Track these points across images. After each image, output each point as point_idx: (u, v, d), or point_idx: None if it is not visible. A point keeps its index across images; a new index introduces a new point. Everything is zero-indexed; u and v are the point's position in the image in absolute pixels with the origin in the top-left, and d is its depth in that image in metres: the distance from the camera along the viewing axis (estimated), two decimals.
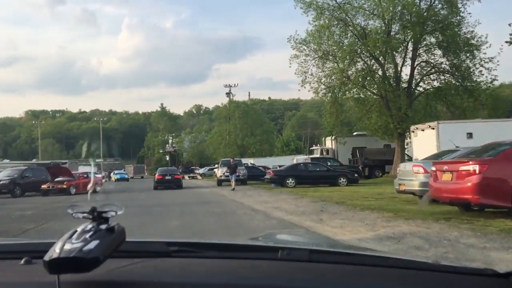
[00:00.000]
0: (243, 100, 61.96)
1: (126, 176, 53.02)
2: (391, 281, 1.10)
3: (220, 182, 28.23)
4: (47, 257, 0.93)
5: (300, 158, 32.07)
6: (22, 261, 1.15)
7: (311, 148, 33.80)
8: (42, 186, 23.58)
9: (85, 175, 25.74)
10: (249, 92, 64.19)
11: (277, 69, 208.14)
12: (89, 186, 1.32)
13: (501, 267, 1.17)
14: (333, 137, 33.67)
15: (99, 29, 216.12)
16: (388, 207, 11.62)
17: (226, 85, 60.25)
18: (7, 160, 43.83)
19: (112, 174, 54.94)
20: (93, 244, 0.94)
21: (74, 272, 0.93)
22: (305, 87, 30.48)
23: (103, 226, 1.02)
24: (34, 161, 44.66)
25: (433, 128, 19.51)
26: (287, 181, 22.90)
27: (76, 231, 0.99)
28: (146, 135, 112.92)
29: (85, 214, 1.05)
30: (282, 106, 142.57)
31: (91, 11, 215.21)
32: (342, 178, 23.16)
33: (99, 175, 32.04)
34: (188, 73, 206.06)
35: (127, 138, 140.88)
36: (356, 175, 25.02)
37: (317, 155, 33.78)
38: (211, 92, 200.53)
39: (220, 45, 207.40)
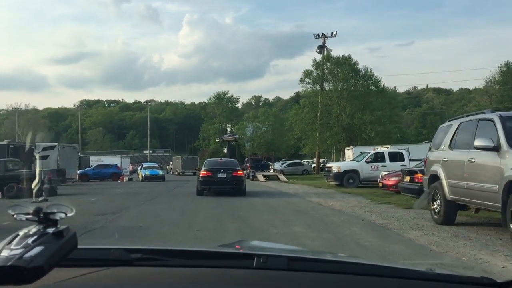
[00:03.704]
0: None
1: (160, 173, 32.97)
2: None
3: None
4: None
5: None
6: None
7: None
8: None
9: None
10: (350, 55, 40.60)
11: None
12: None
13: None
14: None
15: (161, 25, 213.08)
16: None
17: (317, 35, 38.21)
18: None
19: (139, 169, 35.18)
20: (36, 251, 0.80)
21: (12, 283, 0.78)
22: None
23: (50, 230, 0.86)
24: (5, 142, 28.87)
25: None
26: None
27: (17, 235, 0.85)
28: (201, 126, 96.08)
29: (29, 216, 0.89)
30: None
31: (154, 8, 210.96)
32: None
33: None
34: (247, 69, 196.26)
35: (182, 130, 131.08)
36: None
37: None
38: (269, 88, 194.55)
39: (279, 41, 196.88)
